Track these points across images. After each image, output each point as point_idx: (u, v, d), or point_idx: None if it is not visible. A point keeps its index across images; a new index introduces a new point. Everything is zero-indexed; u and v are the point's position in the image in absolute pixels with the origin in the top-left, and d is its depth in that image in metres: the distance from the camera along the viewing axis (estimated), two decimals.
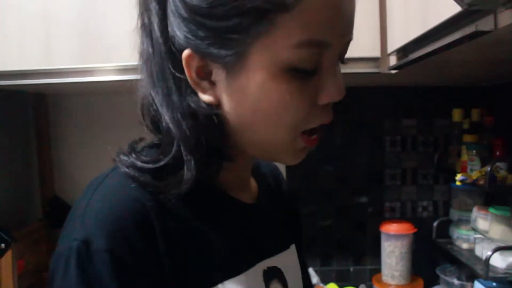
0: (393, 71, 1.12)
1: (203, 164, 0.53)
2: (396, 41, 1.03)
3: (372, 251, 1.62)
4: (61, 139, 1.61)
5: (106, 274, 0.45)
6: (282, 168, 1.55)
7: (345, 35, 0.52)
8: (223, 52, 0.49)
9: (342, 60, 0.56)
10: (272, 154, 0.57)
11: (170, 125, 0.52)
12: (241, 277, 0.55)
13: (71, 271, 0.45)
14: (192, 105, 0.52)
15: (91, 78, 1.21)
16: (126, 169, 0.52)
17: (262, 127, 0.53)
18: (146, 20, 0.54)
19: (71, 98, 1.61)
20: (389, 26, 1.10)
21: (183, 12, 0.49)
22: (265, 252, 0.62)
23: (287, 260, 0.66)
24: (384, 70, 1.14)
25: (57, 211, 1.58)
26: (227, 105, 0.52)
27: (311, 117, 0.53)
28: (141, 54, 0.56)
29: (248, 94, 0.51)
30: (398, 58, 1.08)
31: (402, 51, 1.05)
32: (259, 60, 0.49)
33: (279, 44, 0.48)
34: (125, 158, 0.53)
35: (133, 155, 0.54)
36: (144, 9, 0.54)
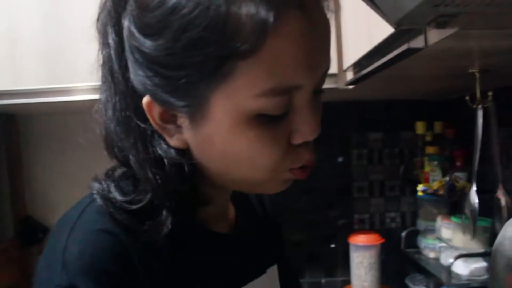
0: (350, 86, 1.15)
1: (176, 211, 0.51)
2: (350, 57, 1.07)
3: (342, 263, 1.64)
4: (33, 158, 1.62)
5: None
6: None
7: (319, 70, 0.48)
8: (181, 102, 0.47)
9: (319, 90, 0.51)
10: (254, 189, 0.57)
11: (138, 174, 0.51)
12: None
13: None
14: (160, 152, 0.50)
15: (58, 98, 1.23)
16: (103, 203, 0.50)
17: (235, 171, 0.51)
18: (106, 56, 0.51)
19: (41, 117, 1.62)
20: (344, 42, 1.14)
21: (138, 56, 0.47)
22: (239, 282, 0.61)
23: (263, 285, 0.65)
24: (341, 85, 1.17)
25: (29, 230, 1.58)
26: (195, 151, 0.50)
27: (290, 157, 0.49)
28: (102, 91, 0.53)
29: (214, 143, 0.48)
30: (355, 74, 1.12)
31: (358, 67, 1.09)
32: (222, 110, 0.46)
33: (241, 94, 0.44)
34: (100, 186, 0.52)
35: (108, 184, 0.52)
36: (103, 43, 0.52)
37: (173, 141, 0.50)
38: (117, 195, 0.51)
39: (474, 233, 0.93)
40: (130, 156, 0.51)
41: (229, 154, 0.49)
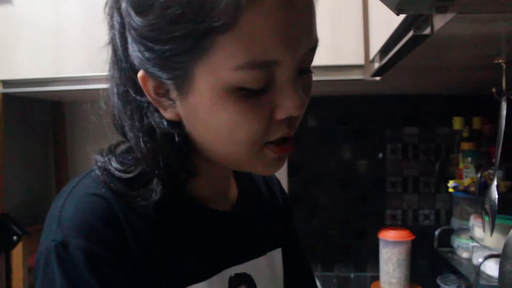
0: (377, 78, 1.14)
1: (166, 180, 0.54)
2: (374, 48, 1.07)
3: (372, 258, 1.62)
4: (77, 143, 1.73)
5: (86, 270, 0.49)
6: (283, 175, 1.60)
7: (300, 46, 0.48)
8: (167, 74, 0.50)
9: (306, 70, 0.52)
10: (241, 166, 0.57)
11: (131, 143, 0.55)
12: (204, 283, 0.57)
13: (52, 270, 0.49)
14: (153, 123, 0.54)
15: (97, 86, 1.30)
16: (99, 173, 0.54)
17: (219, 144, 0.53)
18: (111, 37, 0.55)
19: (85, 104, 1.71)
20: (370, 35, 1.13)
21: (133, 33, 0.50)
22: (234, 259, 0.63)
23: (260, 266, 0.67)
24: (367, 77, 1.17)
25: None
26: (185, 124, 0.54)
27: (271, 131, 0.51)
28: (109, 69, 0.58)
29: (199, 114, 0.51)
30: None
31: (384, 58, 1.08)
32: (204, 82, 0.48)
33: (220, 67, 0.46)
34: (101, 159, 0.56)
35: (109, 157, 0.56)
36: (110, 25, 0.55)
37: (167, 114, 0.53)
38: (116, 166, 0.55)
39: (492, 231, 0.89)
40: (126, 126, 0.55)
41: (211, 127, 0.51)
